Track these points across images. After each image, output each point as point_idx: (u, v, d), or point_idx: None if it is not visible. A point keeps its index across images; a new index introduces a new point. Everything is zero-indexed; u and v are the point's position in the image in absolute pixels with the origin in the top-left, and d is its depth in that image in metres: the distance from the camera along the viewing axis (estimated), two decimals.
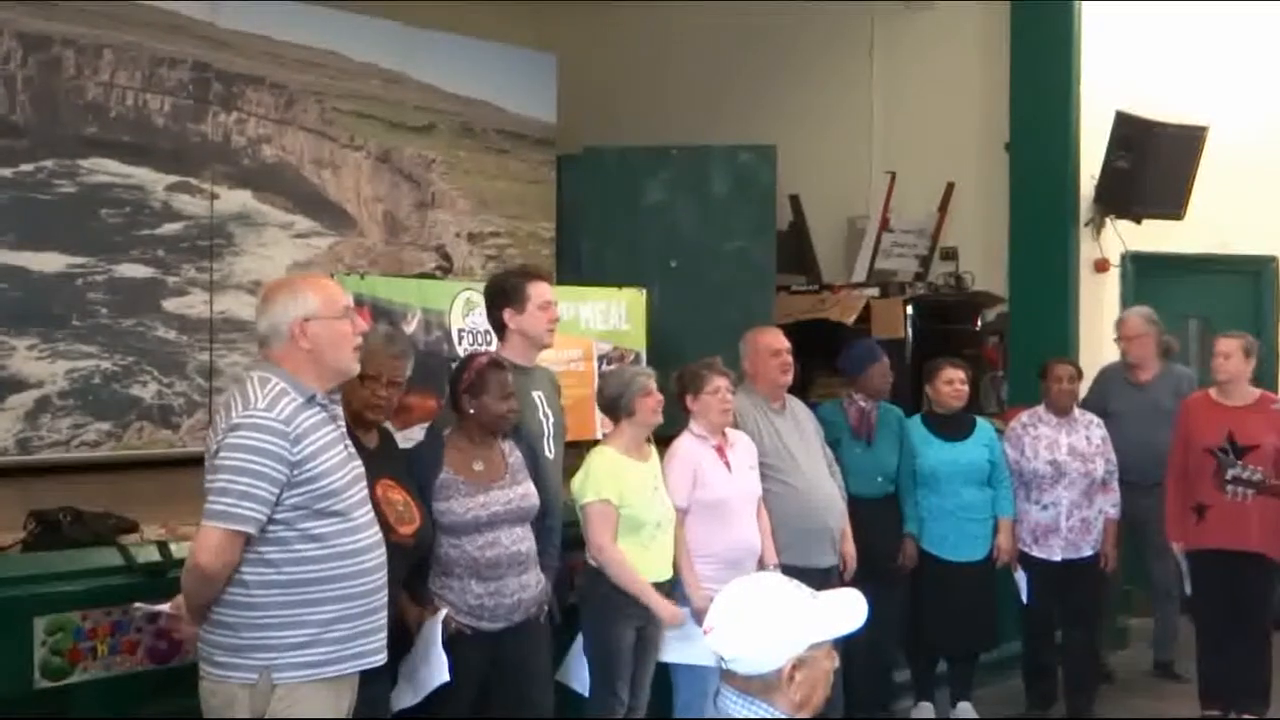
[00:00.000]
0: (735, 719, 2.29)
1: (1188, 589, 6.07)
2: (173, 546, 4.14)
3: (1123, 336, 6.95)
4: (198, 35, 7.85)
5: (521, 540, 4.20)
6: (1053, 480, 6.04)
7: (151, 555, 4.16)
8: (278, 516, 3.15)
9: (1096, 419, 6.28)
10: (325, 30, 8.42)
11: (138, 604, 3.66)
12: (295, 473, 3.14)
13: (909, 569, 5.90)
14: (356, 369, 3.38)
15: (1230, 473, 4.99)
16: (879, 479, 5.85)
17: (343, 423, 3.39)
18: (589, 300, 7.26)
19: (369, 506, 3.37)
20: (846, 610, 2.34)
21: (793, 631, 2.29)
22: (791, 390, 5.61)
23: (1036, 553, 6.06)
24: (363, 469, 3.40)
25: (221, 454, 3.13)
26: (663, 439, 5.04)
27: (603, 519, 4.60)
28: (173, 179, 7.72)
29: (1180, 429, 6.05)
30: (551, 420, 4.64)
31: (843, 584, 5.33)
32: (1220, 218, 7.95)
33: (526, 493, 4.28)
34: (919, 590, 5.91)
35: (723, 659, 2.30)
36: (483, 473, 4.18)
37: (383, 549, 3.37)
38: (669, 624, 4.58)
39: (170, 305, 7.67)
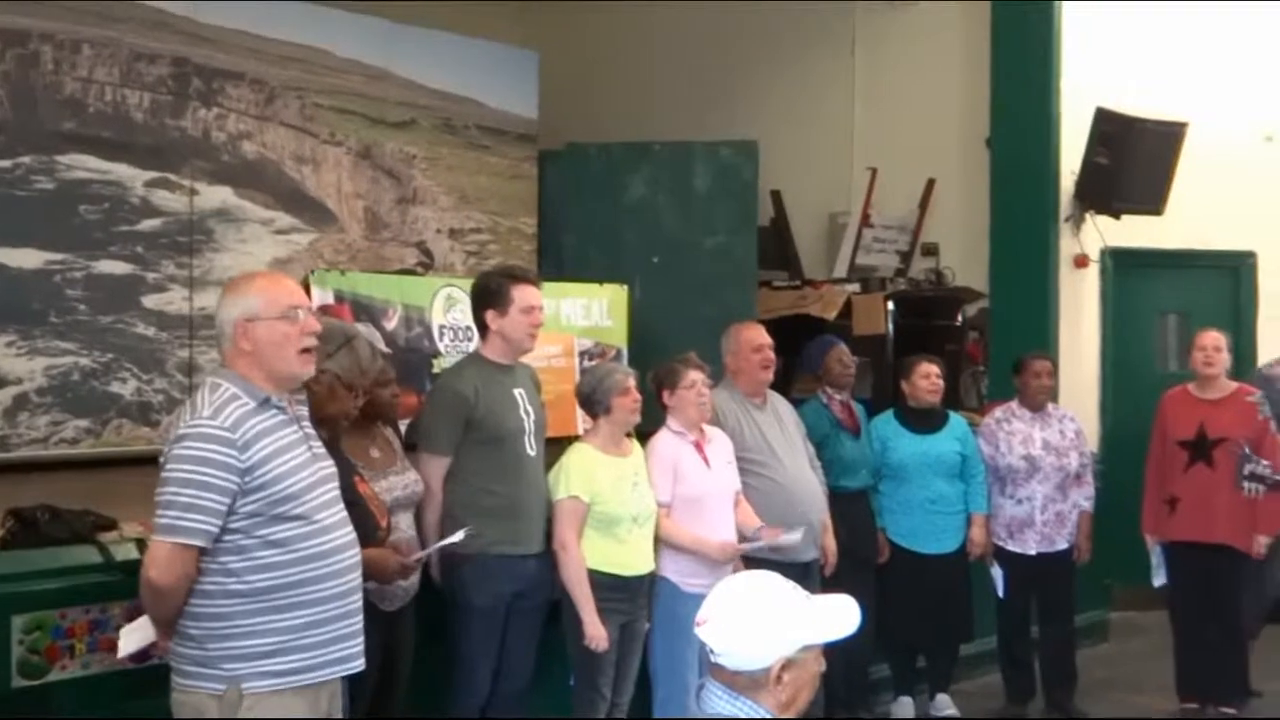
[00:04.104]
0: (719, 716, 2.30)
1: (1157, 581, 6.11)
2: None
3: None
4: (178, 30, 7.83)
5: (411, 526, 4.25)
6: (1027, 475, 6.06)
7: (130, 553, 4.14)
8: (234, 525, 3.08)
9: (1070, 413, 6.31)
10: (307, 26, 8.40)
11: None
12: (247, 480, 3.07)
13: (882, 561, 5.94)
14: (307, 372, 3.27)
15: (1247, 468, 5.01)
16: (864, 471, 5.91)
17: (307, 423, 3.31)
18: (570, 296, 7.27)
19: (339, 507, 3.29)
20: (840, 615, 2.35)
21: (786, 631, 2.29)
22: (773, 386, 5.62)
23: (1011, 547, 6.08)
24: (333, 469, 3.33)
25: (168, 466, 3.07)
26: (641, 435, 5.04)
27: (570, 515, 4.62)
28: (152, 175, 7.69)
29: (1158, 422, 6.11)
30: (532, 418, 4.63)
31: (823, 578, 5.35)
32: (1199, 213, 7.98)
33: (418, 479, 4.34)
34: (890, 583, 5.93)
35: (712, 651, 2.31)
36: (379, 459, 4.21)
37: (356, 549, 3.29)
38: (589, 643, 4.55)
39: (150, 302, 7.64)
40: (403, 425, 4.87)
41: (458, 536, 4.10)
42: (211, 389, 3.15)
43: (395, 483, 4.21)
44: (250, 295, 3.19)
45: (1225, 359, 6.01)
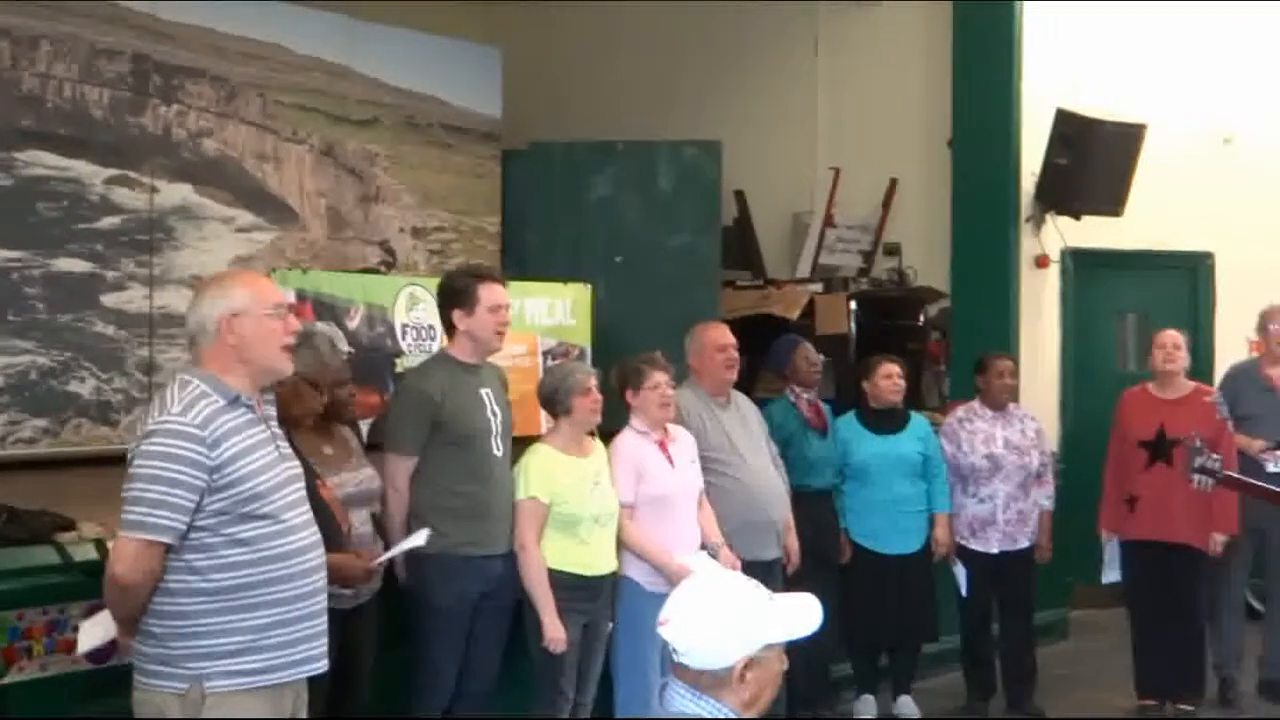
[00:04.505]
0: (682, 716, 2.30)
1: (1107, 578, 6.17)
2: (110, 545, 4.07)
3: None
4: (138, 27, 7.76)
5: (366, 523, 4.23)
6: (989, 474, 6.10)
7: (89, 554, 4.11)
8: (201, 523, 3.07)
9: (1031, 413, 6.35)
10: (269, 23, 8.35)
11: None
12: (215, 478, 3.06)
13: (844, 562, 5.96)
14: (287, 369, 3.29)
15: (1198, 461, 5.06)
16: (829, 471, 5.93)
17: (275, 423, 3.31)
18: (534, 295, 7.25)
19: (305, 508, 3.28)
20: (802, 614, 2.36)
21: (749, 630, 2.30)
22: (737, 386, 5.63)
23: (974, 545, 6.12)
24: (299, 470, 3.33)
25: (136, 462, 3.06)
26: (605, 434, 5.04)
27: (530, 517, 4.61)
28: (111, 172, 7.62)
29: (1117, 421, 6.17)
30: (499, 418, 4.62)
31: (786, 577, 5.37)
32: (1158, 214, 8.06)
33: (373, 475, 4.32)
34: (853, 583, 5.95)
35: (675, 650, 2.31)
36: (332, 456, 4.18)
37: (321, 550, 3.29)
38: (548, 644, 4.56)
39: (109, 300, 7.56)
40: (365, 424, 4.85)
41: (419, 539, 4.08)
42: (181, 386, 3.14)
43: (347, 479, 4.18)
44: (238, 290, 3.20)
45: (1184, 357, 6.08)
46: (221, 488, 3.08)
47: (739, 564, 4.91)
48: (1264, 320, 6.51)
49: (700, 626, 2.30)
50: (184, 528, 3.06)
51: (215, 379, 3.15)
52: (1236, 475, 5.37)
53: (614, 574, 4.81)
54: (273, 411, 3.34)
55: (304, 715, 3.32)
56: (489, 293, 4.58)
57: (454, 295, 4.62)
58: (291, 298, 6.12)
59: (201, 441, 3.05)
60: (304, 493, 3.32)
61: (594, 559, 4.72)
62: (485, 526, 4.53)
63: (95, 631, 3.41)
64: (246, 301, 3.18)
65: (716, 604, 2.32)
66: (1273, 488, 5.37)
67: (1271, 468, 5.91)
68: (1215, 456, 5.11)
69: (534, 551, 4.59)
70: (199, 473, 3.05)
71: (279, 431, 3.32)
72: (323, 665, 3.28)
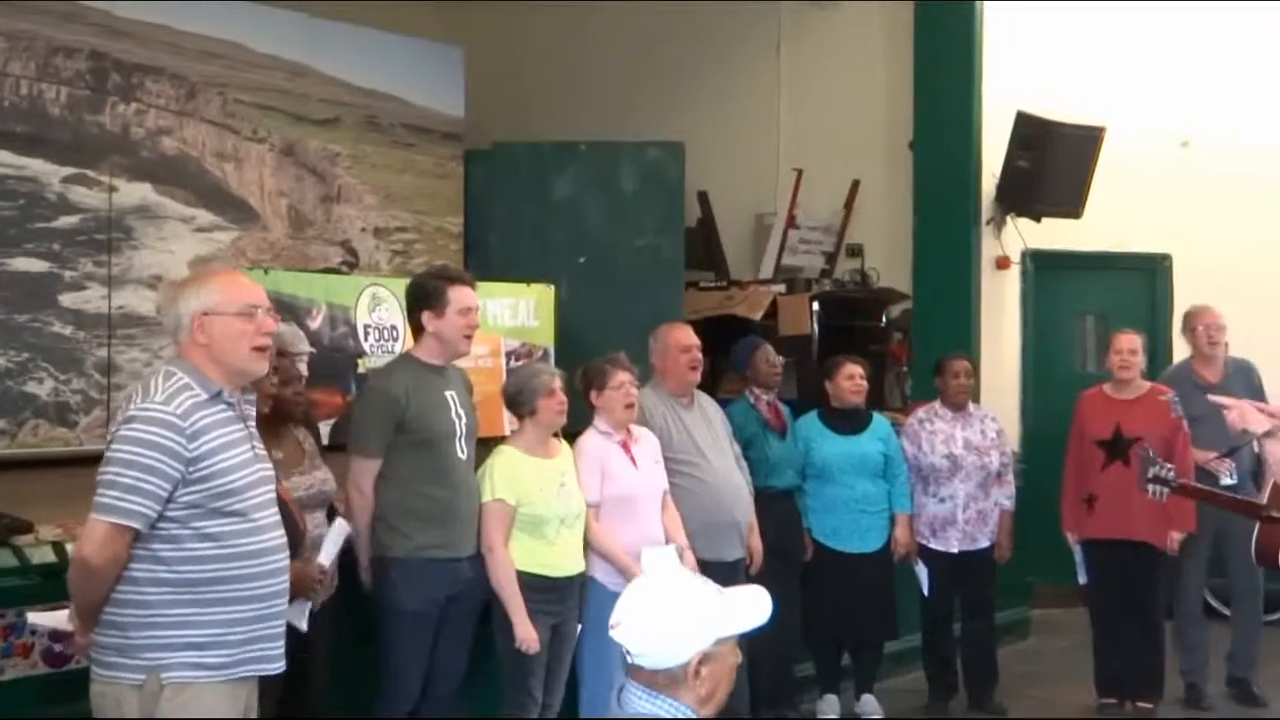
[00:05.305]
0: (639, 717, 2.30)
1: (1083, 578, 6.22)
2: (69, 547, 4.04)
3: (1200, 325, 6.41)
4: (95, 24, 7.69)
5: (321, 525, 4.20)
6: (949, 473, 6.13)
7: (47, 556, 4.08)
8: (171, 514, 3.08)
9: (992, 413, 6.40)
10: (229, 21, 8.29)
11: (33, 619, 3.51)
12: (190, 469, 3.08)
13: (807, 560, 5.98)
14: (260, 369, 3.30)
15: (1151, 471, 5.10)
16: (790, 471, 5.94)
17: (253, 423, 3.31)
18: (497, 296, 7.23)
19: (274, 510, 3.29)
20: (752, 606, 2.36)
21: (699, 626, 2.30)
22: (701, 386, 5.64)
23: (934, 545, 6.15)
24: (271, 471, 3.33)
25: (114, 446, 3.08)
26: (569, 435, 5.04)
27: (496, 519, 4.60)
28: (69, 171, 7.55)
29: (1075, 422, 6.23)
30: (464, 421, 4.60)
31: (749, 577, 5.38)
32: (1117, 216, 8.14)
33: (326, 478, 4.29)
34: (815, 582, 5.97)
35: (629, 652, 2.31)
36: (282, 460, 4.12)
37: (286, 552, 3.30)
38: (521, 645, 4.55)
39: (67, 300, 7.49)
40: (328, 425, 4.82)
41: (341, 536, 4.04)
42: (165, 377, 3.15)
43: (299, 483, 4.14)
44: (210, 289, 3.21)
45: (1140, 361, 6.13)
46: (196, 480, 3.09)
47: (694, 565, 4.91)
48: (1190, 321, 6.54)
49: (651, 626, 2.30)
50: (155, 515, 3.06)
51: (198, 373, 3.17)
52: (1191, 484, 5.42)
53: (581, 575, 4.81)
54: (252, 410, 3.35)
55: (255, 715, 3.31)
56: (459, 295, 4.56)
57: (423, 296, 4.60)
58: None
59: (181, 432, 3.07)
60: (274, 495, 3.32)
61: (561, 560, 4.71)
62: (451, 529, 4.51)
63: (49, 615, 3.41)
64: (217, 301, 3.19)
65: (665, 603, 2.32)
66: (1228, 494, 5.43)
67: (1226, 479, 5.96)
68: (1169, 466, 5.16)
69: (502, 553, 4.58)
70: (175, 462, 3.06)
71: (255, 432, 3.33)
72: (279, 666, 3.28)
